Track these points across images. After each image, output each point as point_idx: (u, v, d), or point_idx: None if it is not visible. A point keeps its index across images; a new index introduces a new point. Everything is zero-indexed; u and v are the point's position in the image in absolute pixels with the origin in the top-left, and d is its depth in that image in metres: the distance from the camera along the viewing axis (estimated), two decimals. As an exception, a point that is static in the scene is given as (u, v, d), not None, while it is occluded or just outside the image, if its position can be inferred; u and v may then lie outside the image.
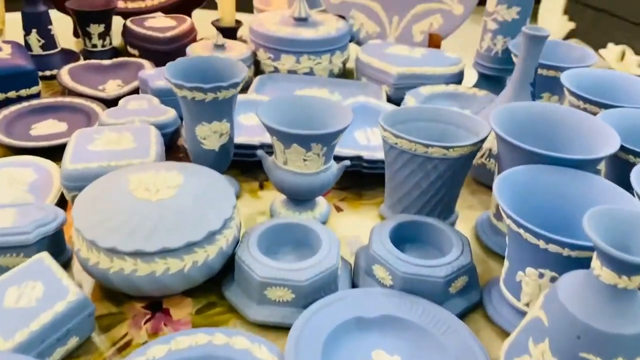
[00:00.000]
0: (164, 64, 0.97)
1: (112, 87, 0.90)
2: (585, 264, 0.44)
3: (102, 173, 0.59)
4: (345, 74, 1.03)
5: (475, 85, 0.93)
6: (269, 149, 0.71)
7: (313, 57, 0.94)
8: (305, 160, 0.58)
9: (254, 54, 0.96)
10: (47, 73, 0.95)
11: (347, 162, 0.62)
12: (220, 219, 0.51)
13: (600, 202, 0.50)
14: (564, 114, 0.60)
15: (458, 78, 0.92)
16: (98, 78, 0.92)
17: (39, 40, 0.95)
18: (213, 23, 1.08)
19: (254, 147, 0.71)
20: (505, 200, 0.48)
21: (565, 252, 0.44)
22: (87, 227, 0.49)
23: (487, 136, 0.59)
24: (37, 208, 0.55)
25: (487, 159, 0.70)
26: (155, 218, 0.49)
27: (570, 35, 2.47)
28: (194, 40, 1.06)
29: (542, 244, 0.44)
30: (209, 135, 0.61)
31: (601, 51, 2.29)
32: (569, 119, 0.59)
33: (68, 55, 1.00)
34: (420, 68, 0.90)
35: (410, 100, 0.84)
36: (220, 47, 0.93)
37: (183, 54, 0.95)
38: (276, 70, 0.95)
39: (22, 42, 0.94)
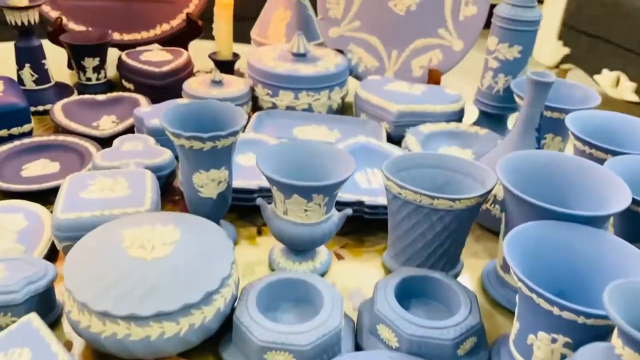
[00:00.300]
0: (159, 99, 0.97)
1: (106, 124, 0.88)
2: (601, 331, 0.42)
3: (95, 223, 0.57)
4: (344, 108, 1.02)
5: (476, 122, 0.92)
6: (267, 192, 0.69)
7: (312, 93, 0.93)
8: (306, 210, 0.56)
9: (252, 90, 0.95)
10: (40, 108, 0.93)
11: (349, 211, 0.60)
12: (218, 278, 0.48)
13: (612, 261, 0.48)
14: (572, 163, 0.58)
15: (459, 115, 0.91)
16: (92, 114, 0.91)
17: (32, 75, 0.93)
18: (210, 56, 1.07)
19: (252, 192, 0.69)
20: (515, 260, 0.46)
21: (581, 319, 0.42)
22: (79, 287, 0.46)
23: (494, 187, 0.57)
24: (27, 263, 0.53)
25: (492, 205, 0.68)
26: (150, 279, 0.46)
27: (564, 60, 2.49)
28: (191, 73, 1.04)
29: (556, 310, 0.42)
30: (207, 183, 0.59)
31: (596, 77, 2.30)
32: (577, 169, 0.58)
33: (62, 90, 0.98)
34: (421, 106, 0.88)
35: (410, 139, 0.83)
36: (217, 83, 0.92)
37: (179, 88, 0.94)
38: (274, 106, 0.94)
39: (15, 77, 0.92)
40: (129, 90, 1.01)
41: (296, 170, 0.59)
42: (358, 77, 1.07)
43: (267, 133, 0.86)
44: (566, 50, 2.45)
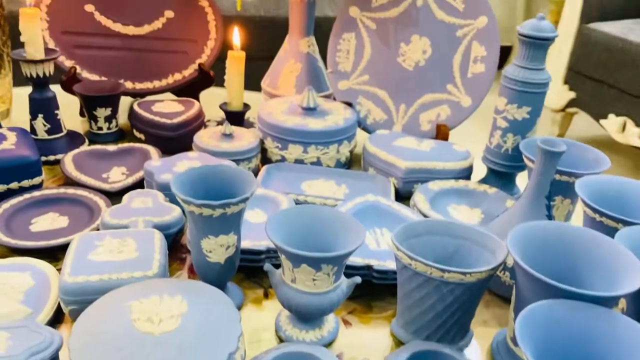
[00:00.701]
0: (170, 150, 0.98)
1: (116, 175, 0.89)
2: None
3: (102, 287, 0.57)
4: (352, 159, 1.02)
5: (485, 179, 0.92)
6: (275, 253, 0.69)
7: (321, 147, 0.93)
8: (314, 279, 0.56)
9: (262, 142, 0.96)
10: (52, 158, 0.94)
11: (358, 279, 0.60)
12: (225, 353, 0.48)
13: (624, 343, 0.48)
14: (584, 236, 0.58)
15: (467, 172, 0.91)
16: (102, 165, 0.91)
17: (45, 125, 0.94)
18: (221, 107, 1.08)
19: (260, 253, 0.69)
20: (527, 342, 0.45)
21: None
22: (84, 362, 0.46)
23: (505, 259, 0.57)
24: (32, 331, 0.52)
25: (502, 272, 0.68)
26: (157, 355, 0.46)
27: (570, 104, 2.50)
28: (202, 124, 1.05)
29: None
30: (215, 248, 0.59)
31: (602, 121, 2.31)
32: (588, 242, 0.57)
33: (73, 139, 0.99)
34: (429, 162, 0.89)
35: (419, 197, 0.83)
36: (228, 136, 0.93)
37: (190, 139, 0.95)
38: (283, 159, 0.94)
39: (28, 126, 0.94)
40: (139, 140, 1.02)
41: (306, 236, 0.59)
42: (367, 130, 1.07)
43: (275, 187, 0.86)
44: (572, 95, 2.46)
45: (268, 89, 1.17)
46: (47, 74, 0.92)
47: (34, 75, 0.91)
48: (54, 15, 1.05)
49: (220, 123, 1.10)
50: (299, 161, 0.94)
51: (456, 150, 0.93)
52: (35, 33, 0.89)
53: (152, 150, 0.94)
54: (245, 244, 0.68)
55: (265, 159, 0.97)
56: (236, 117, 1.08)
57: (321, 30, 1.19)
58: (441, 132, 1.00)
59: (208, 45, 1.16)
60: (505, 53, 3.09)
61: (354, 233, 0.58)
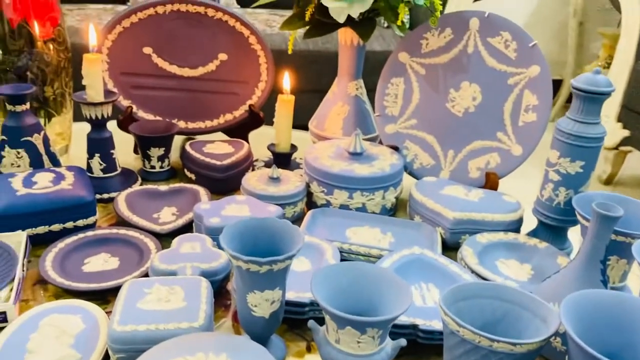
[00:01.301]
0: (219, 190, 1.00)
1: (167, 216, 0.91)
2: None
3: (149, 337, 0.58)
4: (397, 205, 1.01)
5: (535, 232, 0.90)
6: (319, 306, 0.69)
7: (366, 193, 0.93)
8: (359, 342, 0.55)
9: (307, 186, 0.96)
10: (105, 196, 0.97)
11: (403, 342, 0.59)
12: (268, 417, 0.47)
13: None
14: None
15: (517, 225, 0.89)
16: (154, 204, 0.94)
17: (101, 164, 0.98)
18: (269, 148, 1.10)
19: (304, 305, 0.69)
20: None
21: None
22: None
23: (557, 329, 0.55)
24: (81, 380, 0.53)
25: (554, 338, 0.65)
26: (200, 417, 0.46)
27: (623, 142, 2.42)
28: (250, 165, 1.07)
29: None
30: (260, 303, 0.60)
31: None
32: (647, 316, 0.55)
33: (127, 177, 1.02)
34: (478, 214, 0.87)
35: (467, 251, 0.81)
36: (275, 179, 0.94)
37: (238, 180, 0.97)
38: (329, 203, 0.95)
39: (85, 162, 0.98)
40: (190, 179, 1.04)
41: (351, 294, 0.59)
42: (413, 174, 1.07)
43: (320, 232, 0.86)
44: (625, 133, 2.39)
45: (315, 130, 1.18)
46: (106, 116, 0.96)
47: (93, 117, 0.95)
48: (114, 57, 1.10)
49: (268, 165, 1.12)
50: (344, 206, 0.94)
51: (506, 201, 0.91)
52: (96, 77, 0.93)
53: (202, 192, 0.96)
54: (289, 295, 0.68)
55: (311, 203, 0.97)
56: (283, 158, 1.10)
57: (369, 64, 1.19)
58: (490, 181, 0.98)
59: (259, 87, 1.18)
60: (555, 87, 3.03)
61: (400, 294, 0.57)
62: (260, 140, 1.18)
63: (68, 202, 0.83)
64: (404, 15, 0.95)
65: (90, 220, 0.85)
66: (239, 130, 1.20)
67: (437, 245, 0.84)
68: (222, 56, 1.16)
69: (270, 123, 1.16)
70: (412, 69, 1.08)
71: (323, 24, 1.05)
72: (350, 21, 1.00)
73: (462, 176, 1.02)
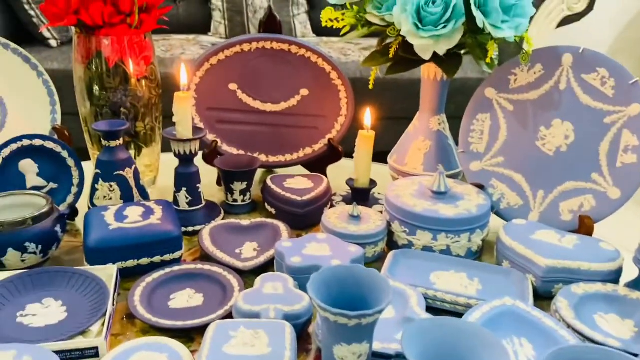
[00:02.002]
0: (298, 225, 1.00)
1: (249, 251, 0.92)
2: None
3: (235, 384, 0.57)
4: (484, 247, 0.97)
5: (635, 282, 0.83)
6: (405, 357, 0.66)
7: (451, 235, 0.90)
8: (452, 405, 0.52)
9: (388, 224, 0.94)
10: (190, 229, 0.99)
11: (499, 407, 0.55)
12: None
13: None
14: None
15: (616, 275, 0.83)
16: (236, 239, 0.95)
17: (187, 198, 1.00)
18: (348, 183, 1.09)
19: (389, 357, 0.67)
20: None
21: None
22: None
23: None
24: None
25: (667, 411, 0.59)
26: None
27: None
28: (329, 200, 1.07)
29: None
30: (347, 356, 0.58)
31: None
32: None
33: (210, 210, 1.04)
34: (573, 262, 0.82)
35: (562, 303, 0.76)
36: (355, 218, 0.93)
37: (317, 216, 0.97)
38: (410, 244, 0.92)
39: (171, 194, 1.01)
40: (270, 213, 1.05)
41: (443, 352, 0.56)
42: (499, 214, 1.02)
43: (402, 275, 0.84)
44: None
45: (395, 166, 1.16)
46: (193, 151, 0.98)
47: (182, 153, 0.98)
48: (201, 93, 1.14)
49: (346, 200, 1.11)
50: (427, 248, 0.91)
51: (604, 248, 0.85)
52: (186, 114, 0.96)
53: (282, 227, 0.97)
54: (375, 345, 0.66)
55: (391, 242, 0.95)
56: (362, 194, 1.09)
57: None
58: (585, 225, 0.92)
59: (338, 121, 1.18)
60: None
61: (494, 354, 0.54)
62: (337, 173, 1.18)
63: (157, 237, 0.85)
64: (493, 52, 0.92)
65: (177, 254, 0.87)
66: (318, 164, 1.20)
67: (528, 295, 0.79)
68: (304, 91, 1.17)
69: (349, 156, 1.16)
70: (500, 105, 1.04)
71: (407, 60, 1.03)
72: (435, 57, 0.98)
73: (553, 219, 0.96)
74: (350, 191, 1.15)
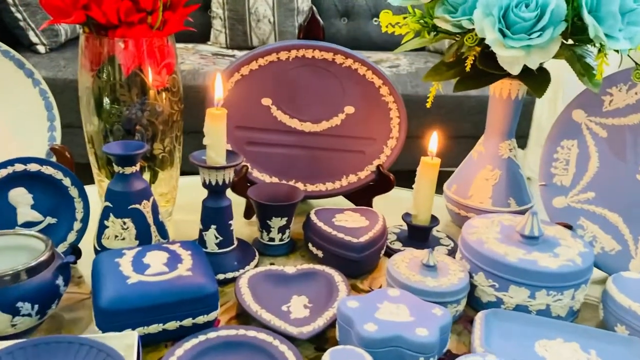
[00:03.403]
0: (352, 274, 0.82)
1: (298, 308, 0.73)
2: None
3: None
4: (581, 306, 0.80)
5: None
6: None
7: (553, 292, 0.73)
8: None
9: (470, 275, 0.77)
10: (221, 277, 0.80)
11: None
12: None
13: None
14: None
15: None
16: (281, 293, 0.76)
17: (217, 237, 0.82)
18: (405, 219, 0.92)
19: None
20: None
21: None
22: None
23: None
24: None
25: None
26: None
27: None
28: (385, 241, 0.89)
29: None
30: None
31: None
32: None
33: (244, 252, 0.86)
34: None
35: None
36: (431, 268, 0.75)
37: (373, 262, 0.80)
38: (499, 301, 0.75)
39: (192, 232, 0.82)
40: (314, 255, 0.87)
41: None
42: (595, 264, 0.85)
43: (500, 346, 0.66)
44: None
45: (455, 198, 0.99)
46: (227, 181, 0.80)
47: (213, 183, 0.79)
48: (229, 109, 0.95)
49: (401, 239, 0.93)
50: (520, 307, 0.74)
51: None
52: (220, 136, 0.78)
53: (337, 277, 0.78)
54: None
55: (472, 298, 0.77)
56: (421, 233, 0.92)
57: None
58: None
59: (388, 145, 1.01)
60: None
61: None
62: (385, 206, 1.01)
63: (189, 294, 0.67)
64: (603, 68, 0.76)
65: (212, 316, 0.69)
66: (363, 195, 1.02)
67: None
68: (349, 109, 0.99)
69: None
70: (590, 130, 0.88)
71: (482, 74, 0.86)
72: (522, 73, 0.81)
73: (663, 269, 0.80)
74: (402, 227, 0.97)
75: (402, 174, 1.14)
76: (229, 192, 0.83)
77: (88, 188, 0.84)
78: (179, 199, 0.99)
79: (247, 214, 0.99)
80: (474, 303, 0.77)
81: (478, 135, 1.01)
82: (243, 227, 0.98)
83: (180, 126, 0.93)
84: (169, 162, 0.91)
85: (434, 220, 0.92)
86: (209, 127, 0.78)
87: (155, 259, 0.71)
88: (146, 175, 0.90)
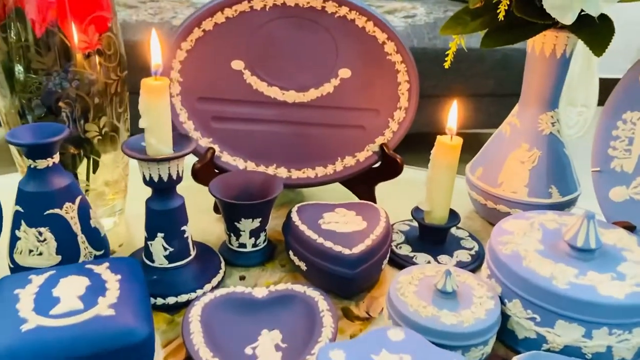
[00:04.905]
0: (344, 294, 0.62)
1: (267, 351, 0.54)
2: None
3: None
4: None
5: None
6: None
7: (617, 330, 0.52)
8: None
9: (501, 300, 0.57)
10: (171, 300, 0.61)
11: None
12: None
13: None
14: None
15: None
16: (247, 326, 0.57)
17: (166, 249, 0.62)
18: (415, 216, 0.71)
19: None
20: None
21: None
22: None
23: None
24: None
25: None
26: None
27: None
28: (389, 249, 0.68)
29: None
30: None
31: None
32: None
33: (204, 264, 0.66)
34: None
35: None
36: (448, 295, 0.55)
37: (372, 277, 0.60)
38: (541, 339, 0.55)
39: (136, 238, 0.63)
40: (296, 266, 0.67)
41: None
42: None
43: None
44: None
45: (481, 185, 0.78)
46: (175, 176, 0.60)
47: (155, 179, 0.59)
48: (189, 76, 0.75)
49: (411, 242, 0.73)
50: (571, 348, 0.54)
51: None
52: (161, 116, 0.58)
53: (321, 303, 0.59)
54: None
55: (503, 329, 0.57)
56: (437, 235, 0.72)
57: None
58: None
59: (395, 118, 0.79)
60: None
61: None
62: (384, 193, 0.81)
63: (107, 344, 0.48)
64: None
65: (145, 370, 0.50)
66: (363, 181, 0.81)
67: None
68: (344, 72, 0.77)
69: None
70: (665, 99, 0.65)
71: (518, 24, 0.64)
72: (575, 23, 0.59)
73: None
74: (410, 225, 0.77)
75: (411, 141, 0.93)
76: (187, 183, 0.63)
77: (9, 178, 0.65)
78: (135, 187, 0.78)
79: (218, 208, 0.80)
80: (506, 338, 0.58)
81: (502, 94, 0.79)
82: (213, 226, 0.78)
83: (124, 99, 0.72)
84: (109, 146, 0.71)
85: (454, 217, 0.71)
86: (145, 105, 0.57)
87: (69, 290, 0.52)
88: (83, 167, 0.71)
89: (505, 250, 0.58)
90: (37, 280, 0.53)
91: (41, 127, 0.59)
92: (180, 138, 0.62)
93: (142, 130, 0.59)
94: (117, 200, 0.77)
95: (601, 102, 2.25)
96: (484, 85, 1.91)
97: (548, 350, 0.55)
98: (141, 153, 0.59)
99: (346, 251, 0.62)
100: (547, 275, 0.54)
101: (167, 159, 0.58)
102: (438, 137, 0.68)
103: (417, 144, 1.08)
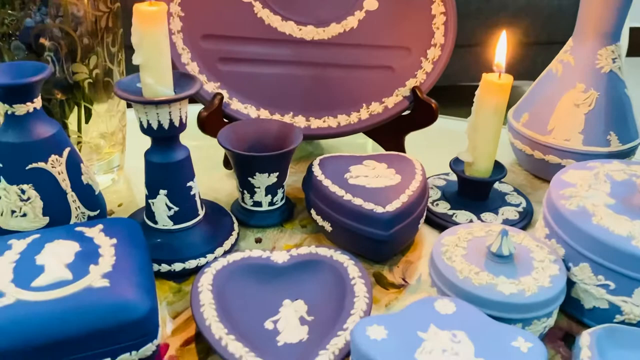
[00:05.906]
0: (377, 258, 0.54)
1: (291, 324, 0.46)
2: None
3: None
4: None
5: None
6: None
7: None
8: None
9: (565, 266, 0.48)
10: (178, 267, 0.53)
11: None
12: None
13: None
14: None
15: None
16: (266, 296, 0.49)
17: (170, 207, 0.54)
18: (454, 168, 0.62)
19: None
20: None
21: None
22: None
23: None
24: None
25: None
26: None
27: None
28: (426, 207, 0.59)
29: None
30: None
31: None
32: None
33: (214, 225, 0.58)
34: None
35: None
36: (504, 259, 0.46)
37: (407, 238, 0.51)
38: (614, 310, 0.46)
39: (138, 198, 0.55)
40: (320, 227, 0.59)
41: None
42: None
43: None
44: None
45: (527, 132, 0.68)
46: (177, 123, 0.51)
47: (154, 126, 0.50)
48: (192, 10, 0.65)
49: (449, 198, 0.64)
50: (650, 320, 0.45)
51: None
52: (159, 50, 0.48)
53: (351, 269, 0.50)
54: None
55: (567, 298, 0.49)
56: (479, 189, 0.63)
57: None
58: None
59: (428, 56, 0.69)
60: None
61: None
62: (414, 143, 0.72)
63: (101, 321, 0.40)
64: None
65: (147, 350, 0.42)
66: (391, 131, 0.72)
67: None
68: (370, 3, 0.67)
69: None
70: None
71: None
72: None
73: None
74: (447, 174, 0.68)
75: (447, 93, 0.83)
76: (194, 134, 0.54)
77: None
78: (133, 137, 0.69)
79: (229, 163, 0.71)
80: (571, 308, 0.49)
81: (555, 41, 0.69)
82: (224, 182, 0.70)
83: (118, 36, 0.63)
84: (103, 92, 0.62)
85: (499, 169, 0.62)
86: (139, 36, 0.48)
87: (56, 256, 0.44)
88: (73, 117, 0.62)
89: (569, 206, 0.49)
90: (18, 245, 0.45)
91: (19, 66, 0.50)
92: (182, 77, 0.53)
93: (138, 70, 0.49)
94: (114, 154, 0.68)
95: (631, 52, 2.10)
96: (535, 32, 1.72)
97: (622, 322, 0.46)
98: (137, 95, 0.49)
99: (379, 209, 0.53)
100: (625, 234, 0.45)
101: (167, 101, 0.49)
102: (484, 74, 0.58)
103: (450, 96, 0.98)
